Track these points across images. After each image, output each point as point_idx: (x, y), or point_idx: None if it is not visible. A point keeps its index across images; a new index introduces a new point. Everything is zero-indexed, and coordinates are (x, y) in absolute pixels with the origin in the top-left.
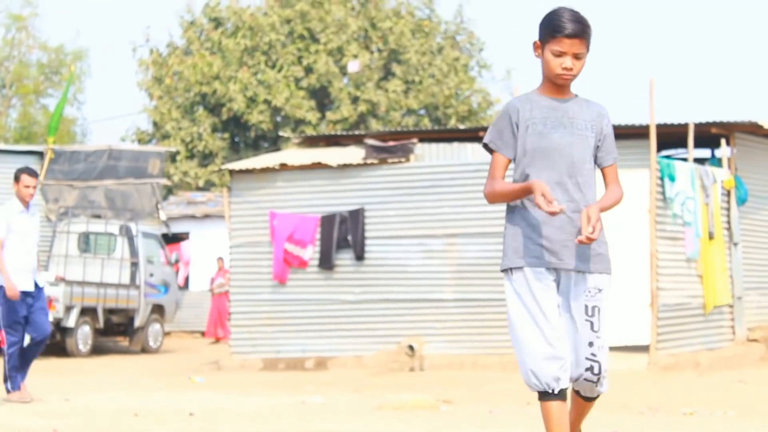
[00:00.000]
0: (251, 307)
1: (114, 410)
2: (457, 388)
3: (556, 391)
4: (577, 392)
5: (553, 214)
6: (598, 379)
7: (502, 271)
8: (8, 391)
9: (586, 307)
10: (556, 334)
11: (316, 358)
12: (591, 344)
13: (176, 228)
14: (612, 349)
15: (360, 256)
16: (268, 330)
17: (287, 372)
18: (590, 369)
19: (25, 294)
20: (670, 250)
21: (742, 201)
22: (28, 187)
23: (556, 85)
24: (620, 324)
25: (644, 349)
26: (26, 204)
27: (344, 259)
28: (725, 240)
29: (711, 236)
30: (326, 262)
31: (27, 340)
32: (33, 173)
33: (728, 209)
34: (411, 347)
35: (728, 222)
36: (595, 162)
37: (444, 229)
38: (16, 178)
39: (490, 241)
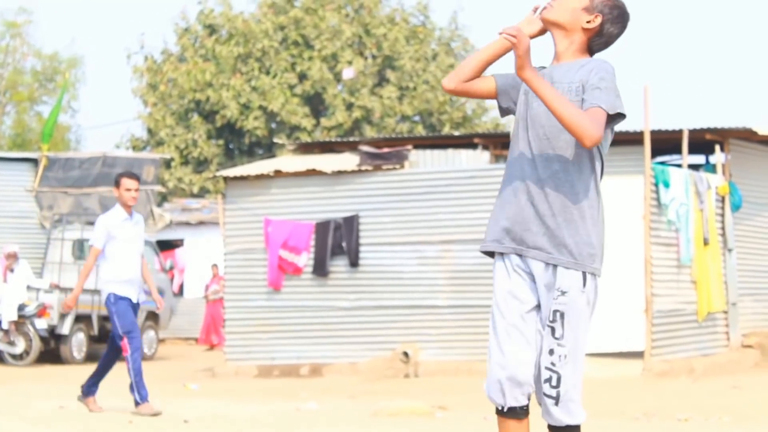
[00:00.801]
0: (246, 314)
1: (108, 417)
2: (452, 395)
3: (503, 409)
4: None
5: (509, 39)
6: (557, 396)
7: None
8: (137, 404)
9: (549, 310)
10: (507, 338)
11: (311, 365)
12: (551, 352)
13: (171, 235)
14: (606, 355)
15: (354, 263)
16: (262, 337)
17: (282, 379)
18: (548, 381)
19: (133, 304)
20: (665, 256)
21: (736, 207)
22: (129, 190)
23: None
24: (615, 330)
25: (639, 355)
26: (129, 210)
27: (339, 265)
28: (720, 246)
29: (706, 242)
30: (321, 269)
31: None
32: (134, 176)
33: (723, 215)
34: (406, 354)
35: (723, 228)
36: None
37: (439, 235)
38: (117, 183)
39: None
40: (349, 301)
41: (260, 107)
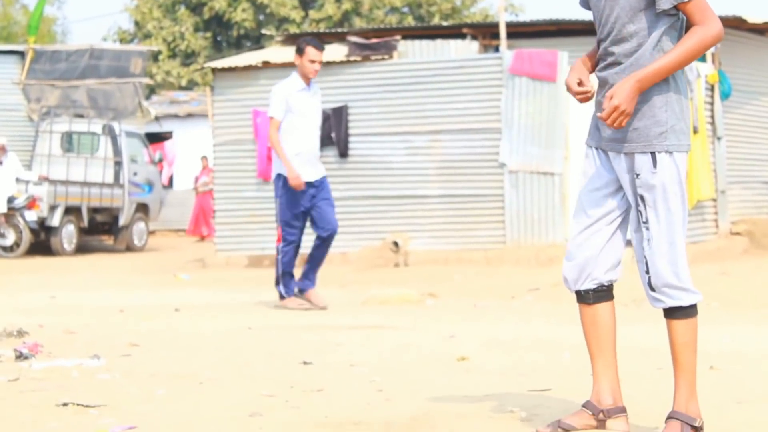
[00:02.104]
0: (235, 205)
1: (99, 307)
2: (441, 283)
3: (574, 292)
4: None
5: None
6: (648, 281)
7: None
8: (282, 297)
9: (633, 197)
10: (579, 227)
11: (301, 255)
12: (641, 238)
13: (159, 127)
14: None
15: (344, 154)
16: (252, 227)
17: (272, 268)
18: (645, 268)
19: (308, 185)
20: None
21: (725, 96)
22: (313, 62)
23: None
24: None
25: (627, 243)
26: (308, 81)
27: (328, 156)
28: (708, 135)
29: (695, 131)
30: None
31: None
32: (320, 47)
33: (712, 104)
34: (396, 243)
35: (712, 117)
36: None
37: (428, 125)
38: (300, 51)
39: (474, 137)
40: (338, 191)
41: None
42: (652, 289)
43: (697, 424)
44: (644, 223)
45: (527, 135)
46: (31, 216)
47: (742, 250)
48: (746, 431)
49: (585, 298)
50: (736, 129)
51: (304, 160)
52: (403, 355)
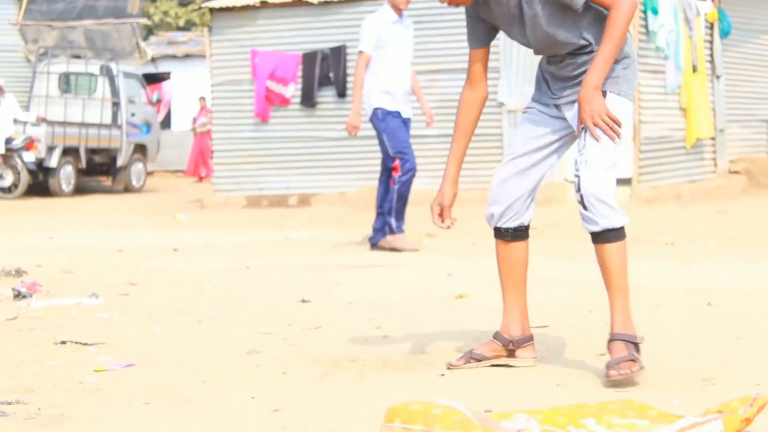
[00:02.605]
0: (234, 145)
1: (98, 247)
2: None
3: (494, 228)
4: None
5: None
6: (581, 199)
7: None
8: (391, 231)
9: (576, 125)
10: (511, 171)
11: (300, 195)
12: (575, 162)
13: (157, 68)
14: None
15: (342, 93)
16: (250, 168)
17: (271, 209)
18: (576, 187)
19: (404, 120)
20: (653, 83)
21: (725, 34)
22: None
23: None
24: None
25: (626, 182)
26: (400, 13)
27: (326, 96)
28: (708, 73)
29: (695, 69)
30: (308, 100)
31: None
32: None
33: (711, 42)
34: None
35: (711, 55)
36: None
37: (426, 65)
38: None
39: None
40: (336, 131)
41: None
42: (585, 207)
43: (638, 341)
44: (579, 149)
45: (525, 74)
46: (29, 157)
47: (741, 189)
48: (743, 366)
49: (504, 235)
50: (735, 67)
51: (398, 95)
52: (401, 294)
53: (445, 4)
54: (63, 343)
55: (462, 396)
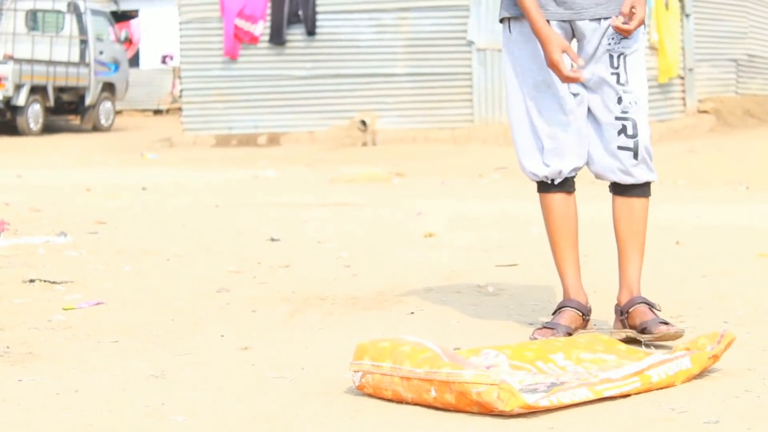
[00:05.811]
0: (202, 84)
1: (66, 186)
2: (409, 162)
3: (550, 180)
4: (613, 188)
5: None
6: (635, 146)
7: (500, 21)
8: None
9: (611, 56)
10: (560, 117)
11: (269, 134)
12: (620, 100)
13: (125, 6)
14: None
15: (311, 31)
16: (219, 106)
17: (240, 148)
18: (623, 131)
19: None
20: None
21: None
22: None
23: None
24: None
25: None
26: None
27: (295, 34)
28: (678, 11)
29: (666, 7)
30: (277, 38)
31: None
32: None
33: None
34: (363, 122)
35: None
36: None
37: (395, 2)
38: None
39: (443, 15)
40: (306, 69)
41: None
42: (636, 155)
43: (657, 308)
44: (622, 85)
45: (495, 12)
46: None
47: (709, 128)
48: (710, 303)
49: (569, 186)
50: (704, 5)
51: None
52: (371, 232)
53: None
54: (31, 281)
55: (430, 334)
